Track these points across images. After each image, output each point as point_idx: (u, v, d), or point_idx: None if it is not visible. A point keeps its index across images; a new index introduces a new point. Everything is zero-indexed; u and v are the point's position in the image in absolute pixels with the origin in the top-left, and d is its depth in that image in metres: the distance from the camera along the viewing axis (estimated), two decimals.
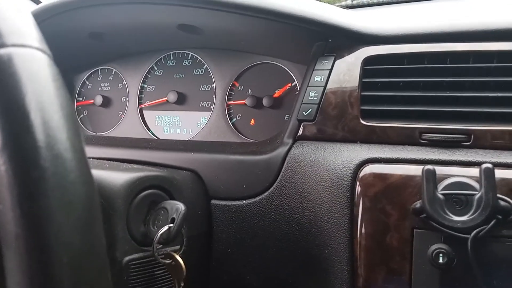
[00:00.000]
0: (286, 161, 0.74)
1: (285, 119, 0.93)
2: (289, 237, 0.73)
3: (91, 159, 0.76)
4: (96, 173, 0.61)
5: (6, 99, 0.30)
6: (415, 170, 0.64)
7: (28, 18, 0.35)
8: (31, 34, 0.33)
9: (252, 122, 0.98)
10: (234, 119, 1.00)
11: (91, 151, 0.89)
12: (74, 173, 0.31)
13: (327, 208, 0.69)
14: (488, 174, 0.56)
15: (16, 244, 0.29)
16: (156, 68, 1.09)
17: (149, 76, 1.09)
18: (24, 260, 0.29)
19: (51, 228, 0.30)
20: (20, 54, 0.32)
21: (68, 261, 0.30)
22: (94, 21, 0.93)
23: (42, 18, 0.88)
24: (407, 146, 0.68)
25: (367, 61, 0.73)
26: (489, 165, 0.56)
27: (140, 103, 1.09)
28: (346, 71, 0.74)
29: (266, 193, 0.75)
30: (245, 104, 0.97)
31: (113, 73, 1.13)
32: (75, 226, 0.31)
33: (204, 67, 1.04)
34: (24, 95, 0.30)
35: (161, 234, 0.59)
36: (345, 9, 0.89)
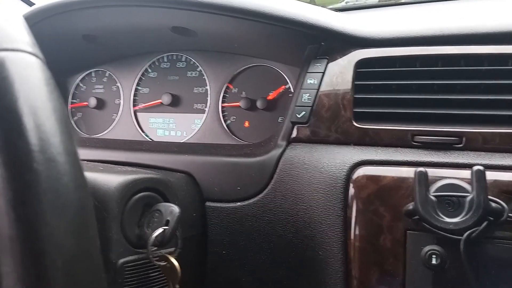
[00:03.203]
0: (280, 163, 0.74)
1: (279, 121, 0.94)
2: (284, 239, 0.74)
3: (85, 161, 0.76)
4: (90, 175, 0.62)
5: None
6: (407, 172, 0.64)
7: (20, 23, 0.35)
8: (23, 38, 0.33)
9: (247, 124, 0.98)
10: (229, 121, 1.00)
11: (85, 153, 0.89)
12: (67, 176, 0.32)
13: (321, 210, 0.70)
14: (479, 176, 0.56)
15: (10, 247, 0.29)
16: (150, 70, 1.09)
17: (143, 78, 1.09)
18: (18, 263, 0.29)
19: (44, 231, 0.30)
20: (13, 59, 0.32)
21: (62, 264, 0.30)
22: (87, 23, 0.93)
23: (35, 21, 0.88)
24: (399, 148, 0.69)
25: (360, 64, 0.74)
26: (480, 167, 0.56)
27: (134, 105, 1.09)
28: (339, 74, 0.74)
29: (260, 195, 0.75)
30: (239, 106, 0.97)
31: (107, 75, 1.13)
32: (68, 229, 0.31)
33: (198, 70, 1.04)
34: (16, 99, 0.30)
35: (156, 236, 0.59)
36: (337, 12, 0.90)
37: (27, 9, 0.91)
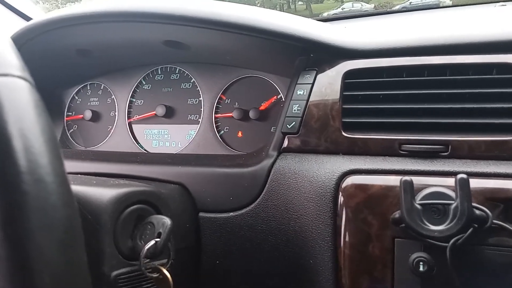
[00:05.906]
0: (271, 173, 0.76)
1: (272, 130, 0.95)
2: (276, 248, 0.75)
3: (79, 174, 0.78)
4: (84, 189, 0.63)
5: None
6: (395, 180, 0.65)
7: (9, 47, 0.36)
8: (12, 63, 0.35)
9: (240, 134, 1.00)
10: (222, 132, 1.01)
11: (81, 166, 0.90)
12: (55, 196, 0.33)
13: (312, 219, 0.71)
14: (462, 184, 0.57)
15: None
16: (144, 83, 1.10)
17: (138, 91, 1.10)
18: (7, 281, 0.30)
19: (33, 250, 0.31)
20: (2, 83, 0.33)
21: (50, 281, 0.31)
22: (81, 38, 0.94)
23: (30, 37, 0.90)
24: (387, 157, 0.70)
25: (348, 74, 0.75)
26: (464, 176, 0.57)
27: (129, 117, 1.10)
28: (327, 84, 0.76)
29: (253, 205, 0.76)
30: (232, 116, 0.98)
31: (102, 88, 1.14)
32: (56, 247, 0.32)
33: (192, 81, 1.05)
34: (6, 123, 0.32)
35: (148, 249, 0.60)
36: (327, 23, 0.92)
37: (24, 24, 0.92)
